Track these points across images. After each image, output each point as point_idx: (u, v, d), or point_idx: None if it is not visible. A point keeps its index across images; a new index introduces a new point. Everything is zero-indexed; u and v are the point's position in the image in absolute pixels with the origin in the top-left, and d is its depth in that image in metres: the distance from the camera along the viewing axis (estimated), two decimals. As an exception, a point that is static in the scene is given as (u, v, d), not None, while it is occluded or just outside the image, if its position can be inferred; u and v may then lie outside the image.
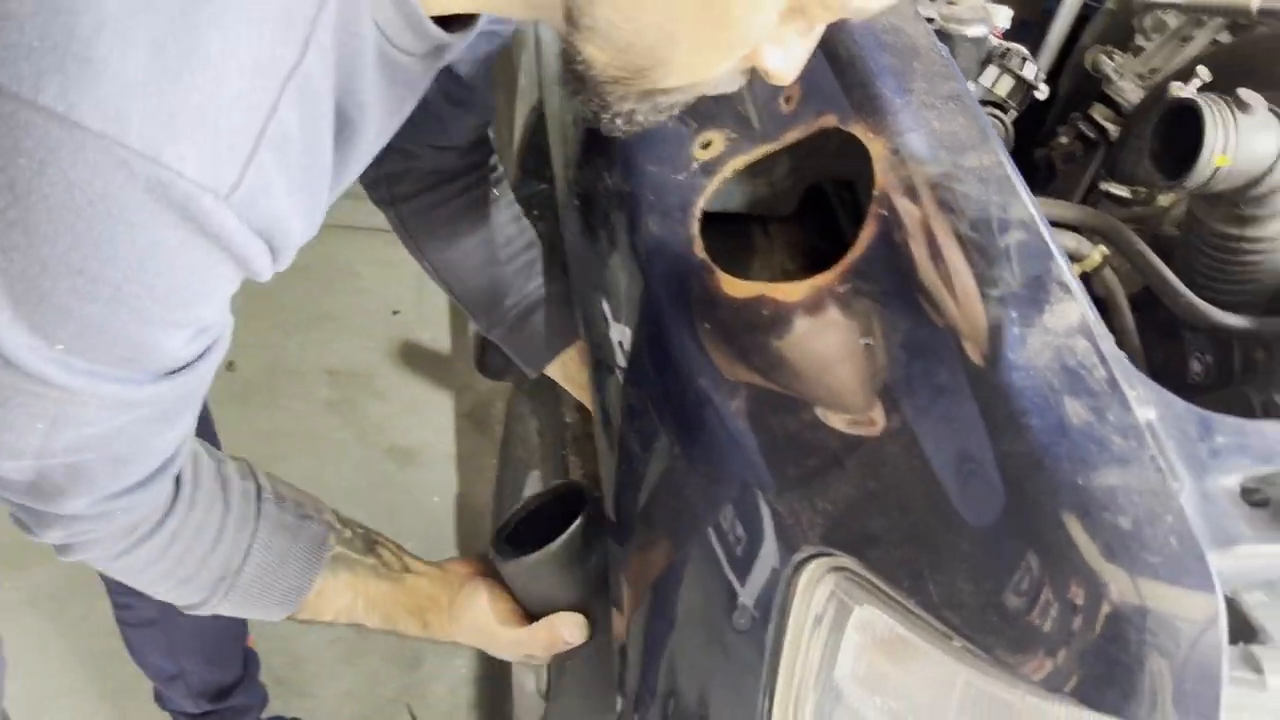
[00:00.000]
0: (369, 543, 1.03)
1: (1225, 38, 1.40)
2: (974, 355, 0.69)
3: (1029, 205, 0.76)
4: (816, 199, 1.10)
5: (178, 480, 0.85)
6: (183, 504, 0.85)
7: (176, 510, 0.85)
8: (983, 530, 0.65)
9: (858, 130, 0.82)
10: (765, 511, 0.74)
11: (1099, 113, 1.46)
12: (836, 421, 0.73)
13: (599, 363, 0.99)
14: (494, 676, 1.88)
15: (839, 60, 0.86)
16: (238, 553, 0.90)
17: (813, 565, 0.71)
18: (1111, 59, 1.50)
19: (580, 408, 1.31)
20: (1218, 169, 0.97)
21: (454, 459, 2.48)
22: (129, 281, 0.60)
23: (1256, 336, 1.03)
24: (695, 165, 0.90)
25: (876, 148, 0.80)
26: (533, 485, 1.55)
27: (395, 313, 2.79)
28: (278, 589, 0.94)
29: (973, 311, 0.70)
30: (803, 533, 0.71)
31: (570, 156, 1.09)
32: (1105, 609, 0.61)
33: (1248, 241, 1.05)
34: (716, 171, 0.90)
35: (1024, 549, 0.63)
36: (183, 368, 0.70)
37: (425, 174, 1.19)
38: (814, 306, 0.78)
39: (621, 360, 0.93)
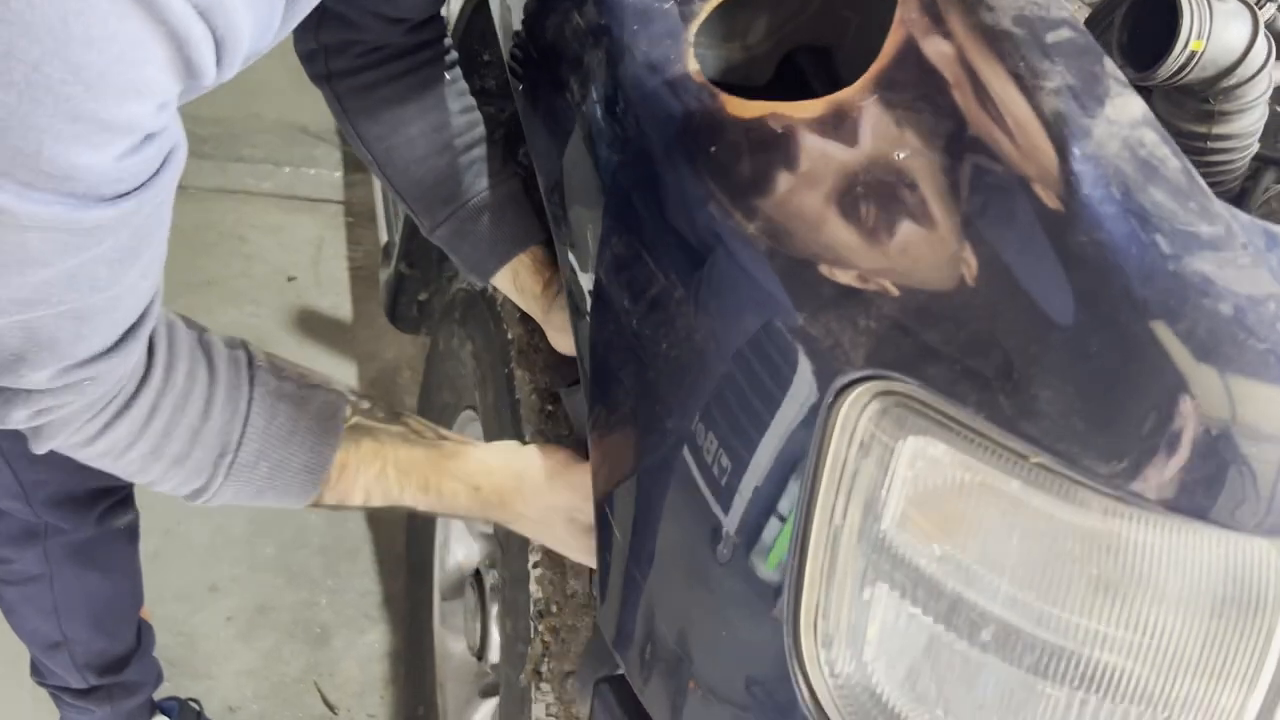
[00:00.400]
0: (393, 413, 0.91)
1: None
2: (1034, 151, 0.61)
3: (1066, 7, 0.69)
4: (791, 78, 1.02)
5: (151, 348, 0.74)
6: (158, 370, 0.75)
7: (151, 379, 0.74)
8: (1059, 331, 0.57)
9: (873, -60, 0.74)
10: (795, 342, 0.65)
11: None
12: (874, 234, 0.64)
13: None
14: (413, 646, 1.74)
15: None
16: (235, 423, 0.79)
17: (856, 391, 0.62)
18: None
19: (526, 320, 1.20)
20: (1192, 56, 0.93)
21: (359, 429, 2.33)
22: (50, 57, 0.49)
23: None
24: (683, -7, 0.81)
25: (897, -50, 0.72)
26: (464, 428, 1.43)
27: (290, 279, 2.61)
28: (291, 465, 0.83)
29: (1026, 106, 0.62)
30: (844, 355, 0.62)
31: (525, 11, 0.98)
32: (1205, 407, 0.54)
33: (1215, 140, 1.02)
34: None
35: (1109, 347, 0.56)
36: (134, 190, 0.58)
37: (368, 49, 1.07)
38: (835, 121, 0.69)
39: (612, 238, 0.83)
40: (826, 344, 0.63)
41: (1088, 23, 1.36)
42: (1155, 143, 0.61)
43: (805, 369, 0.64)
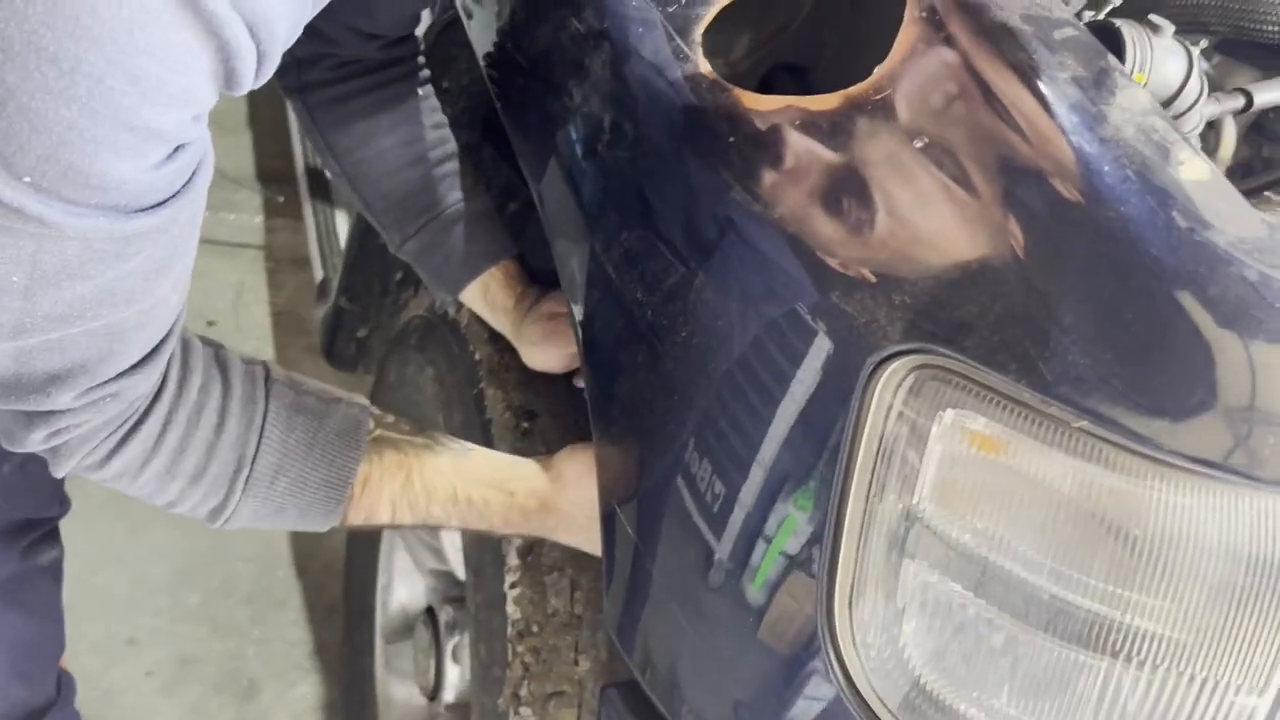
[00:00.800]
0: (420, 428, 0.89)
1: None
2: (1051, 134, 0.64)
3: (1067, 10, 0.73)
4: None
5: (166, 362, 0.73)
6: (171, 384, 0.73)
7: (165, 393, 0.72)
8: (1093, 301, 0.59)
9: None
10: (826, 321, 0.65)
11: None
12: (904, 214, 0.66)
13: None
14: (352, 695, 1.67)
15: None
16: (250, 435, 0.77)
17: (893, 366, 0.63)
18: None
19: (495, 339, 1.19)
20: None
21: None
22: (113, 69, 0.50)
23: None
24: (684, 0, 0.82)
25: (903, -43, 0.75)
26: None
27: (210, 323, 2.53)
28: (311, 480, 0.80)
29: (1041, 92, 0.65)
30: (880, 330, 0.63)
31: (509, 29, 0.98)
32: (1233, 368, 0.56)
33: None
34: (711, 3, 0.82)
35: (1142, 314, 0.58)
36: (170, 198, 0.59)
37: (342, 63, 1.06)
38: (852, 113, 0.71)
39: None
40: (862, 320, 0.64)
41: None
42: (1166, 129, 0.65)
43: (840, 346, 0.64)
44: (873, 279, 0.65)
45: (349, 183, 1.11)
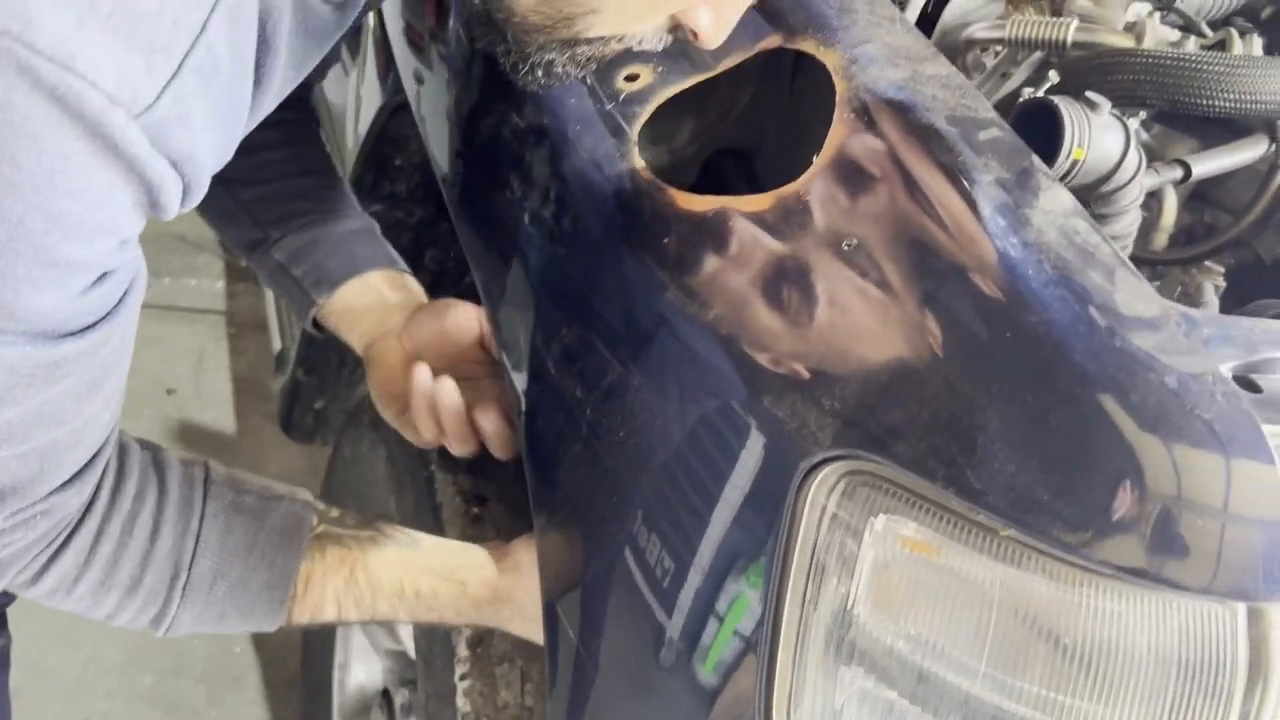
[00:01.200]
0: (365, 520, 0.86)
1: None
2: (976, 236, 0.64)
3: (992, 109, 0.74)
4: (714, 178, 1.06)
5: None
6: (104, 494, 0.71)
7: (97, 504, 0.71)
8: (1019, 406, 0.59)
9: (808, 46, 0.79)
10: (758, 425, 0.66)
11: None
12: (832, 316, 0.66)
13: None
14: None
15: (774, -13, 0.82)
16: (186, 541, 0.75)
17: (824, 472, 0.63)
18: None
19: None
20: (1075, 163, 1.01)
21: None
22: (33, 211, 0.51)
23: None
24: (623, 95, 0.83)
25: (832, 59, 0.76)
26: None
27: (170, 391, 2.50)
28: (252, 583, 0.78)
29: (967, 194, 0.66)
30: (811, 436, 0.63)
31: (454, 119, 0.99)
32: (1156, 476, 0.57)
33: None
34: (647, 102, 0.83)
35: (1066, 421, 0.58)
36: (98, 321, 0.60)
37: None
38: (783, 213, 0.72)
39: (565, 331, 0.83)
40: (793, 425, 0.64)
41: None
42: (1088, 230, 0.65)
43: (774, 451, 0.64)
44: (803, 383, 0.65)
45: (226, 188, 1.02)
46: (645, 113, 0.83)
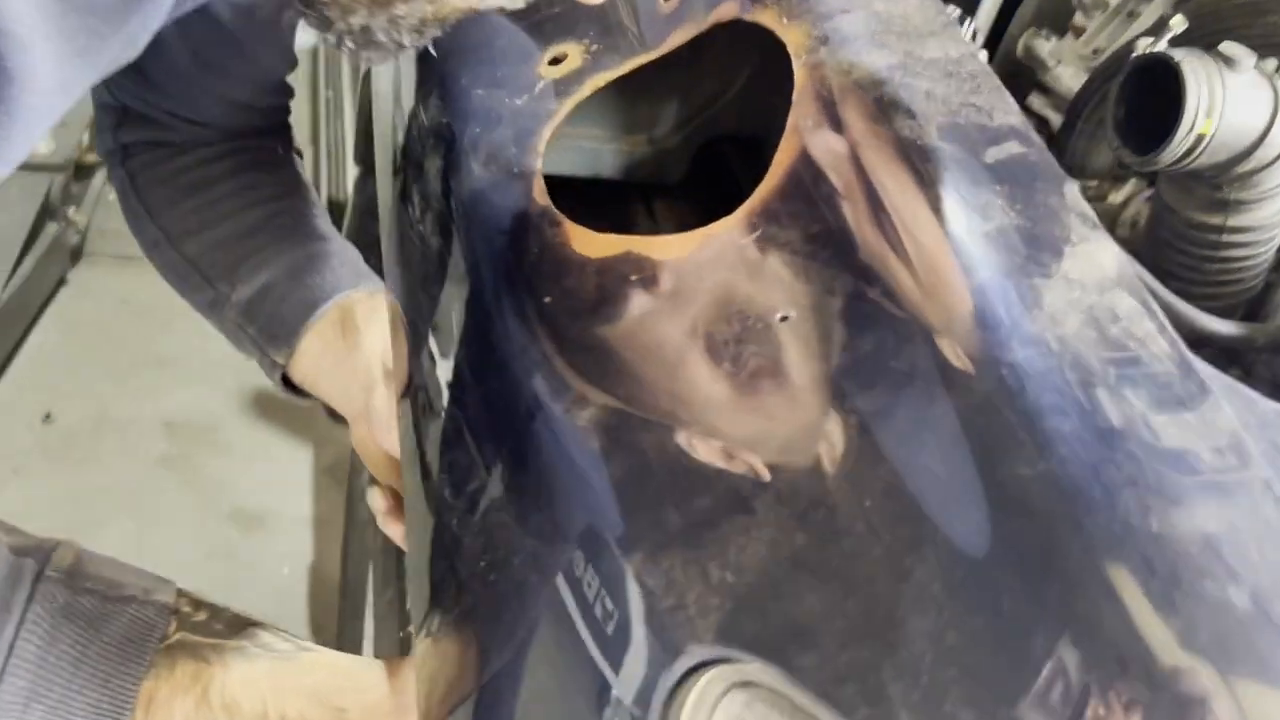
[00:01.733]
0: (239, 626, 0.71)
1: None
2: (955, 329, 0.42)
3: (1018, 110, 0.51)
4: (715, 168, 0.85)
5: None
6: None
7: None
8: (988, 612, 0.38)
9: (767, 18, 0.56)
10: (632, 588, 0.46)
11: (1036, 102, 1.28)
12: (741, 440, 0.45)
13: (424, 408, 0.69)
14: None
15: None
16: None
17: (707, 677, 0.43)
18: (1048, 42, 1.34)
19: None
20: (1200, 139, 0.78)
21: (309, 522, 2.15)
22: None
23: (1250, 344, 0.82)
24: (541, 85, 0.63)
25: (795, 36, 0.54)
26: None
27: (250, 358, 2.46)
28: (77, 705, 0.65)
29: (949, 258, 0.44)
30: (690, 624, 0.43)
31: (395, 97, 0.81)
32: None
33: (1231, 232, 0.86)
34: (571, 93, 0.63)
35: (1056, 640, 0.37)
36: None
37: (176, 152, 0.91)
38: (705, 267, 0.51)
39: (444, 401, 0.64)
40: (668, 603, 0.44)
41: (1083, 91, 1.19)
42: (1134, 314, 0.42)
43: (638, 639, 0.44)
44: (689, 537, 0.45)
45: (166, 238, 0.90)
46: (569, 105, 0.63)
